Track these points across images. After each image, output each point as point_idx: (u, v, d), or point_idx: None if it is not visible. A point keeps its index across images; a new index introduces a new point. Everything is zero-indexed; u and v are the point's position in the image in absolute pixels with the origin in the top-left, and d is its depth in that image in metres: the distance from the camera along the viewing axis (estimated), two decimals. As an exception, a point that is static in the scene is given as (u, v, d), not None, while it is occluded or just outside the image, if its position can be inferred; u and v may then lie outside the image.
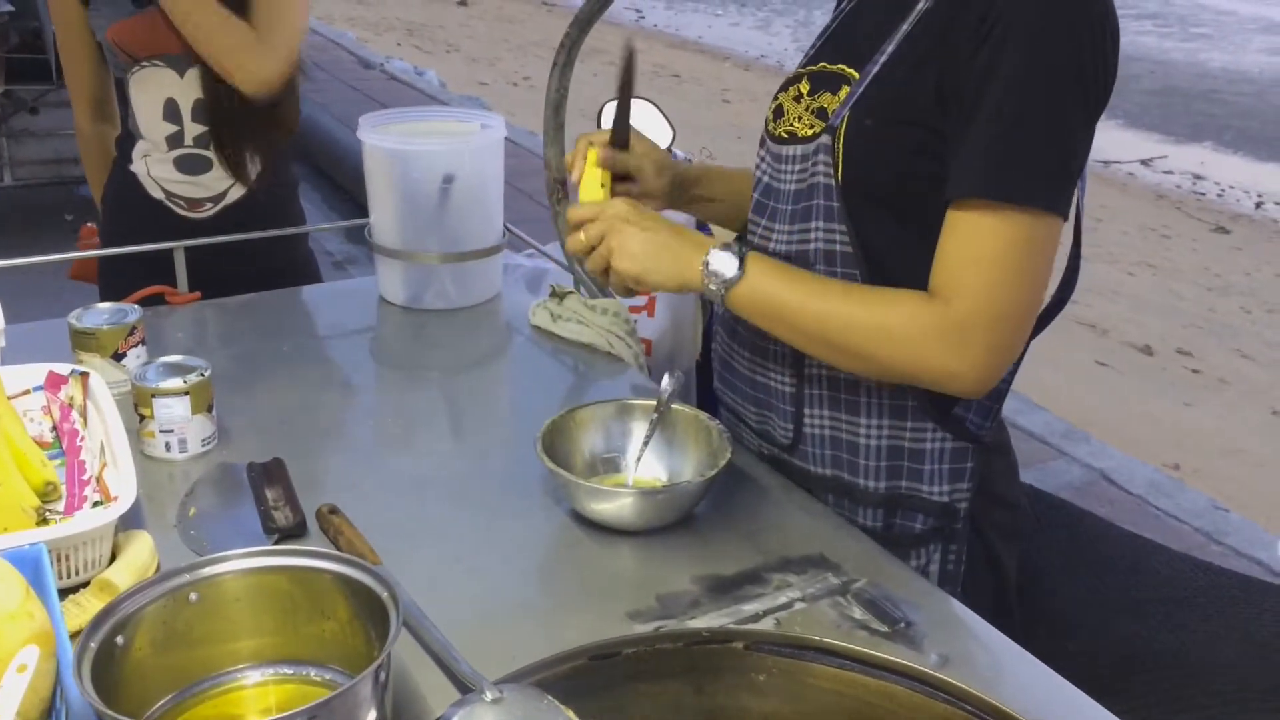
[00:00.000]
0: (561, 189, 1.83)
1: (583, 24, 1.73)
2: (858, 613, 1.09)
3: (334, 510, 1.18)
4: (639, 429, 1.30)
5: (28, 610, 0.85)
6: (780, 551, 1.19)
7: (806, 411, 1.27)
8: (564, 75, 1.75)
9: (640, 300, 2.06)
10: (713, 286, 1.17)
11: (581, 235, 1.22)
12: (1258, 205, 8.17)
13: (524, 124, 6.98)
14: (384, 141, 1.80)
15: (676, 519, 1.23)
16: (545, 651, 0.90)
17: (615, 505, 1.20)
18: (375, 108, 1.93)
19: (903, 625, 1.07)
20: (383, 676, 0.86)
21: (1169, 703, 1.29)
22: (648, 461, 1.29)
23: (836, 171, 1.18)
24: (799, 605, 1.10)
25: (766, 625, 1.06)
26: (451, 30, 13.31)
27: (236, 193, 1.92)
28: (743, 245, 1.18)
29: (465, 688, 0.91)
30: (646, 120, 2.04)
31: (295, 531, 1.19)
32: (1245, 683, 1.23)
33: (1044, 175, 1.09)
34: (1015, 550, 1.33)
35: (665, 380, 1.30)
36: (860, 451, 1.26)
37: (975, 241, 1.10)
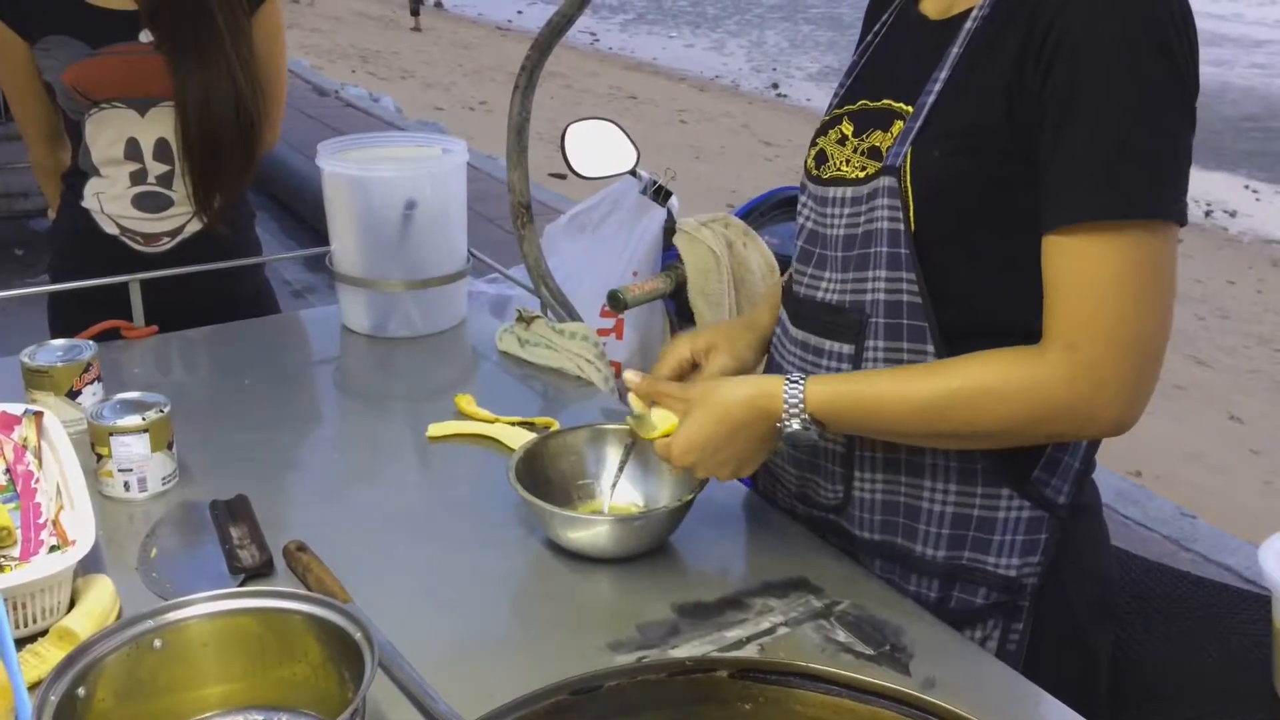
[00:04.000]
0: (526, 213, 1.81)
1: (542, 47, 1.72)
2: (842, 635, 1.07)
3: (302, 547, 1.15)
4: (613, 454, 1.28)
5: (-18, 664, 0.82)
6: (761, 575, 1.17)
7: (857, 474, 1.18)
8: (525, 98, 1.73)
9: (608, 323, 2.04)
10: (802, 435, 1.10)
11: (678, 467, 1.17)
12: (1207, 214, 8.34)
13: (483, 148, 6.96)
14: (344, 168, 1.78)
15: (654, 545, 1.21)
16: (524, 687, 0.87)
17: (591, 533, 1.18)
18: (331, 135, 1.90)
19: (887, 648, 1.05)
20: (358, 721, 0.83)
21: (1151, 714, 1.28)
22: (623, 487, 1.27)
23: (907, 213, 1.08)
24: (782, 630, 1.08)
25: (750, 652, 1.05)
26: (406, 56, 13.30)
27: (194, 226, 1.89)
28: (795, 385, 1.10)
29: (444, 728, 0.88)
30: (610, 142, 2.03)
31: (262, 570, 1.15)
32: (1226, 693, 1.22)
33: (1157, 182, 0.99)
34: (1108, 632, 1.23)
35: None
36: (921, 516, 1.15)
37: (1089, 271, 1.00)
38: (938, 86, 1.09)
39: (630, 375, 1.20)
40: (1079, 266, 1.00)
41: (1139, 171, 0.99)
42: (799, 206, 1.25)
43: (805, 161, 1.25)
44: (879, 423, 1.10)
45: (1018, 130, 1.04)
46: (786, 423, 1.10)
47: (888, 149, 1.11)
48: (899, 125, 1.11)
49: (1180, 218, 1.01)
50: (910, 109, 1.11)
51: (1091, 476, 1.19)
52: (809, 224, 1.22)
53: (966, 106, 1.07)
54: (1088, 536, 1.19)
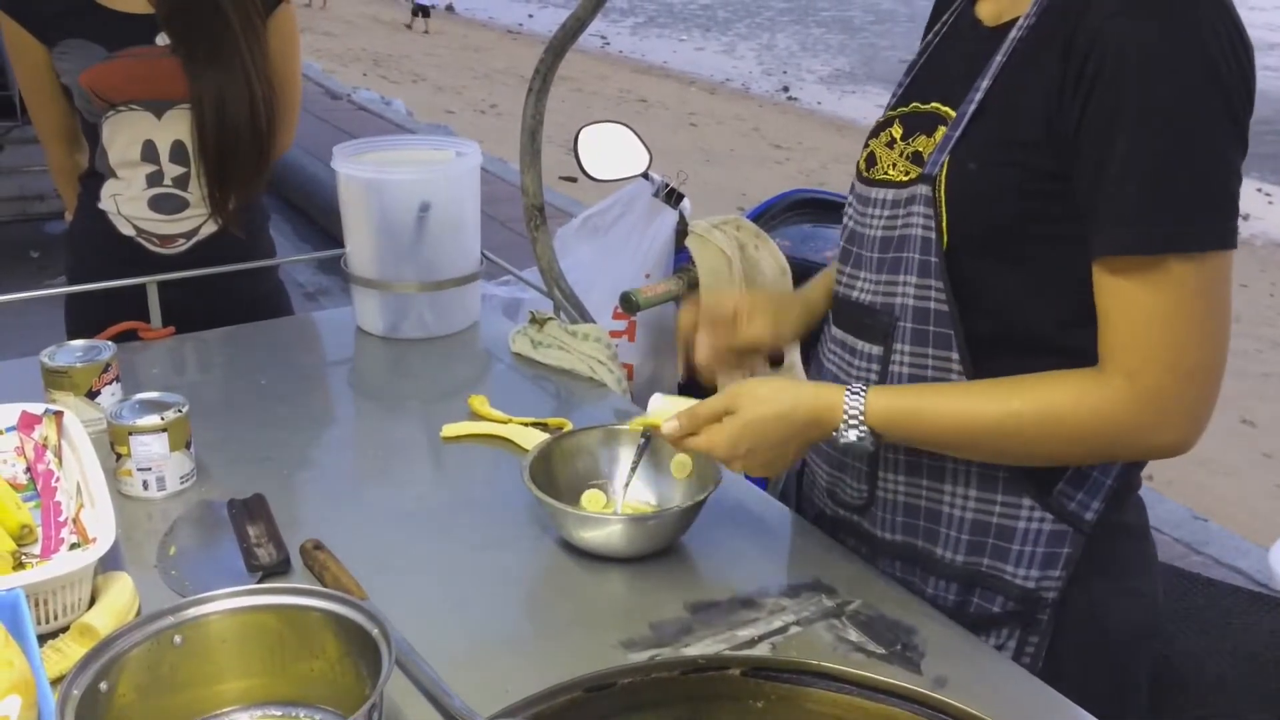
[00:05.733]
0: (539, 215, 1.82)
1: (557, 50, 1.73)
2: (853, 635, 1.08)
3: (318, 545, 1.16)
4: (626, 454, 1.29)
5: (7, 658, 0.83)
6: (773, 575, 1.18)
7: (881, 474, 1.18)
8: (539, 101, 1.75)
9: (621, 324, 2.05)
10: (857, 446, 1.10)
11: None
12: (1219, 217, 8.29)
13: (493, 151, 6.98)
14: (359, 171, 1.79)
15: (667, 545, 1.21)
16: (538, 684, 0.88)
17: (605, 532, 1.19)
18: (343, 138, 1.92)
19: (899, 647, 1.06)
20: (376, 716, 0.84)
21: (1162, 714, 1.28)
22: (636, 487, 1.27)
23: (940, 223, 1.08)
24: (794, 629, 1.09)
25: (762, 650, 1.05)
26: (417, 60, 13.34)
27: (209, 228, 1.90)
28: (857, 397, 1.09)
29: (460, 724, 0.89)
30: (623, 145, 2.04)
31: (279, 569, 1.17)
32: (1239, 696, 1.23)
33: (1205, 211, 0.97)
34: (1148, 652, 1.19)
35: (652, 403, 1.28)
36: (942, 520, 1.15)
37: (1146, 301, 0.99)
38: (979, 95, 1.07)
39: (669, 428, 1.16)
40: (1130, 296, 1.00)
41: (1182, 203, 0.97)
42: (845, 206, 1.26)
43: (857, 163, 1.25)
44: (938, 438, 1.09)
45: (1056, 150, 1.02)
46: (843, 433, 1.09)
47: (928, 156, 1.11)
48: (941, 131, 1.11)
49: (1227, 243, 0.99)
50: (954, 114, 1.10)
51: (1138, 495, 1.17)
52: (851, 223, 1.23)
53: (1005, 121, 1.06)
54: (1132, 556, 1.17)
